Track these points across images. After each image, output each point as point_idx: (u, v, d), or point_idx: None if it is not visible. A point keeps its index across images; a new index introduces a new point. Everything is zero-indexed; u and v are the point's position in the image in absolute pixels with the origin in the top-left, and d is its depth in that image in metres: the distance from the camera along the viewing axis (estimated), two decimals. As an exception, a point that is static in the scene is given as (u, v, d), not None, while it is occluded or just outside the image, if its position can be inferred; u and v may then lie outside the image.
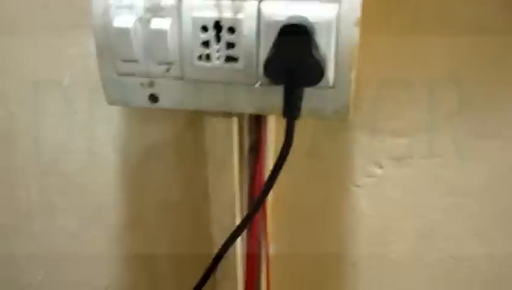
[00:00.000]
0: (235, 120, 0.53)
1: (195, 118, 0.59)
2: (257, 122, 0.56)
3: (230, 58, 0.49)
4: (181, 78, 0.51)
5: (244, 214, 0.58)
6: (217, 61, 0.49)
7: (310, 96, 0.50)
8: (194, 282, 0.59)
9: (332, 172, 0.60)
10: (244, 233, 0.60)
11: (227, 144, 0.54)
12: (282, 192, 0.61)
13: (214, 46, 0.49)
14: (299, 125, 0.58)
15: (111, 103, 0.55)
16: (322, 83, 0.48)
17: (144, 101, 0.54)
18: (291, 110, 0.47)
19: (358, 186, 0.60)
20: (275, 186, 0.60)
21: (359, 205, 0.60)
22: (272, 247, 0.63)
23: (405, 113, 0.56)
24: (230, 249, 0.58)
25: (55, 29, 0.59)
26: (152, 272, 0.69)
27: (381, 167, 0.58)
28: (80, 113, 0.63)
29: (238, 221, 0.57)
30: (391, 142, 0.57)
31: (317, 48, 0.46)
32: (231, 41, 0.48)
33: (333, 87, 0.49)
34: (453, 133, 0.55)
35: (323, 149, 0.59)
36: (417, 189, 0.58)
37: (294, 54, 0.45)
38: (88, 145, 0.64)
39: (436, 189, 0.58)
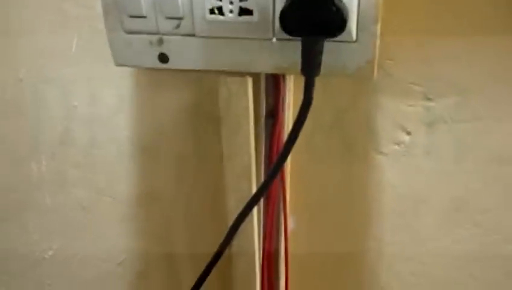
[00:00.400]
0: (249, 80, 0.50)
1: (209, 81, 0.55)
2: (275, 84, 0.52)
3: (244, 11, 0.45)
4: (192, 35, 0.48)
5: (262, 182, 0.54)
6: (230, 14, 0.46)
7: (331, 52, 0.46)
8: (211, 256, 0.56)
9: (355, 139, 0.55)
10: (262, 204, 0.57)
11: (242, 105, 0.50)
12: (301, 161, 0.57)
13: (227, -2, 0.45)
14: (320, 86, 0.54)
15: (119, 64, 0.52)
16: (343, 37, 0.44)
17: (153, 61, 0.50)
18: (310, 66, 0.43)
19: (384, 154, 0.55)
20: (293, 155, 0.57)
21: (385, 174, 0.56)
22: (290, 220, 0.59)
23: (437, 72, 0.51)
24: (247, 220, 0.55)
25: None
26: (167, 248, 0.66)
27: (409, 133, 0.54)
28: (92, 79, 0.60)
29: (254, 190, 0.53)
30: (421, 104, 0.52)
31: (338, -6, 0.42)
32: (245, -9, 0.44)
33: (356, 41, 0.45)
34: (493, 93, 0.50)
35: (346, 113, 0.55)
36: (451, 157, 0.54)
37: (312, 1, 0.41)
38: (99, 113, 0.61)
39: (473, 156, 0.53)
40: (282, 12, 0.42)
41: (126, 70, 0.58)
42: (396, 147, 0.55)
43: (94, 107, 0.61)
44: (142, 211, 0.65)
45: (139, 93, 0.59)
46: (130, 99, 0.60)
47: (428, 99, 0.52)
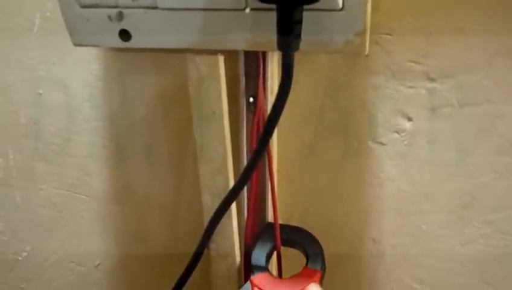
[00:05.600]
0: (221, 59, 0.43)
1: (180, 62, 0.49)
2: (256, 62, 0.46)
3: (210, -24, 0.39)
4: (154, 7, 0.42)
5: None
6: (195, -19, 0.39)
7: (313, 23, 0.39)
8: (189, 256, 0.50)
9: (349, 126, 0.49)
10: (245, 202, 0.51)
11: (214, 88, 0.44)
12: (289, 153, 0.51)
13: (190, -40, 0.39)
14: (306, 65, 0.47)
15: (77, 43, 0.46)
16: (327, 3, 0.38)
17: (114, 39, 0.44)
18: (287, 38, 0.37)
19: (381, 143, 0.48)
20: (281, 147, 0.51)
21: (383, 167, 0.49)
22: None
23: (440, 48, 0.44)
24: (225, 222, 0.48)
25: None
26: (144, 248, 0.60)
27: (410, 120, 0.47)
28: (57, 64, 0.54)
29: (232, 185, 0.47)
30: (423, 86, 0.45)
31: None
32: (210, -49, 0.38)
33: (342, 9, 0.39)
34: (506, 71, 0.43)
35: (337, 97, 0.48)
36: (458, 146, 0.47)
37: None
38: (66, 102, 0.55)
39: (484, 146, 0.46)
40: (252, -26, 0.36)
41: (93, 53, 0.53)
42: (396, 135, 0.48)
43: (60, 95, 0.55)
44: (117, 208, 0.59)
45: (108, 79, 0.53)
46: (98, 85, 0.54)
47: (431, 79, 0.45)
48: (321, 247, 0.48)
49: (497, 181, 0.47)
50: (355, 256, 0.53)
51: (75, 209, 0.61)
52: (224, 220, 0.48)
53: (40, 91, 0.56)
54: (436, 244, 0.50)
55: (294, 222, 0.53)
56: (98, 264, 0.63)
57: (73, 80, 0.54)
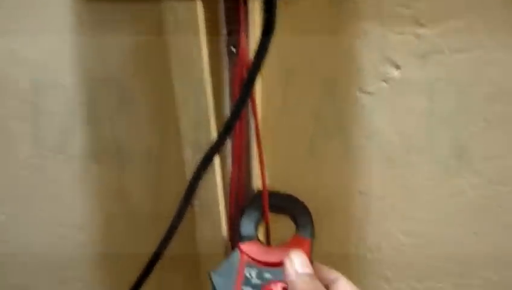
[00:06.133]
0: (199, 4, 0.41)
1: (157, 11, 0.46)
2: (236, 8, 0.43)
3: None
4: None
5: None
6: None
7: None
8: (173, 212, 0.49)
9: (334, 75, 0.47)
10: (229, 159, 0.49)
11: (192, 34, 0.41)
12: (272, 104, 0.49)
13: None
14: (290, 9, 0.45)
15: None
16: None
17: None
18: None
19: (369, 93, 0.47)
20: (263, 97, 0.49)
21: (370, 116, 0.48)
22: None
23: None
24: (209, 177, 0.47)
25: None
26: (128, 206, 0.58)
27: (398, 68, 0.45)
28: (30, 17, 0.51)
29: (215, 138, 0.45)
30: (411, 32, 0.44)
31: None
32: None
33: None
34: (500, 15, 0.42)
35: (321, 45, 0.46)
36: (448, 94, 0.45)
37: None
38: (39, 58, 0.53)
39: (475, 93, 0.45)
40: None
41: (66, 5, 0.50)
42: (383, 84, 0.47)
43: (33, 50, 0.53)
44: (97, 167, 0.57)
45: (82, 34, 0.51)
46: (72, 39, 0.51)
47: (421, 25, 0.43)
48: (311, 215, 0.47)
49: (487, 130, 0.46)
50: (342, 209, 0.52)
51: (54, 170, 0.59)
52: (207, 175, 0.46)
53: (13, 46, 0.53)
54: (425, 196, 0.49)
55: (279, 174, 0.51)
56: (80, 225, 0.61)
57: (47, 34, 0.52)
